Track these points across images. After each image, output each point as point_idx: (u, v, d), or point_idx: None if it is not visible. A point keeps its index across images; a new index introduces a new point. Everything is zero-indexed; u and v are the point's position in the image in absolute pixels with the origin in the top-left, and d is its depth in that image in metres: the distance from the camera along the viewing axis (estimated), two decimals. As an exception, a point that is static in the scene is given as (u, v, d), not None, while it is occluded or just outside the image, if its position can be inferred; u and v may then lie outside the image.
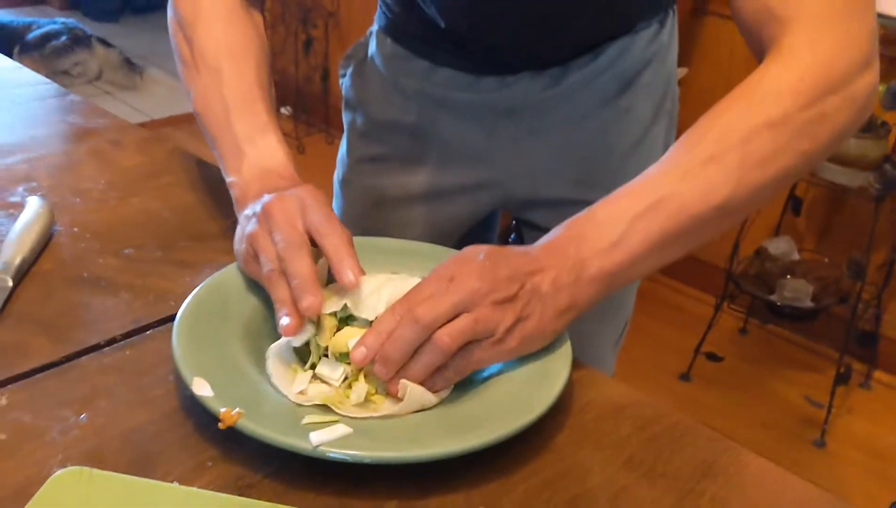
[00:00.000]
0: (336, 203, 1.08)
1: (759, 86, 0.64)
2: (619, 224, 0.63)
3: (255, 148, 0.74)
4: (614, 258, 0.63)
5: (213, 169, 1.00)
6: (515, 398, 0.61)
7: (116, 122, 1.13)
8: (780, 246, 2.23)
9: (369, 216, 1.03)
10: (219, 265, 0.75)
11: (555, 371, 0.63)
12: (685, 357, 2.25)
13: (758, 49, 0.69)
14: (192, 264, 0.80)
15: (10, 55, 3.47)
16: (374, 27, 1.02)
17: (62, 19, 3.69)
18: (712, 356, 2.25)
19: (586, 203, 0.67)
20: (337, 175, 1.08)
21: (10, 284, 0.73)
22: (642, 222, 0.62)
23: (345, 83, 1.05)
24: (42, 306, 0.73)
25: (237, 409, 0.56)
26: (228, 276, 0.73)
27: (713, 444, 0.64)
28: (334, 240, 0.64)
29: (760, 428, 2.10)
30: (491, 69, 0.93)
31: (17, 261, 0.75)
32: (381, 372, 0.60)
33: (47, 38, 3.48)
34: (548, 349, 0.66)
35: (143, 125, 3.38)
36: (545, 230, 0.68)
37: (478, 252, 0.63)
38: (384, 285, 0.65)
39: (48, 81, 1.27)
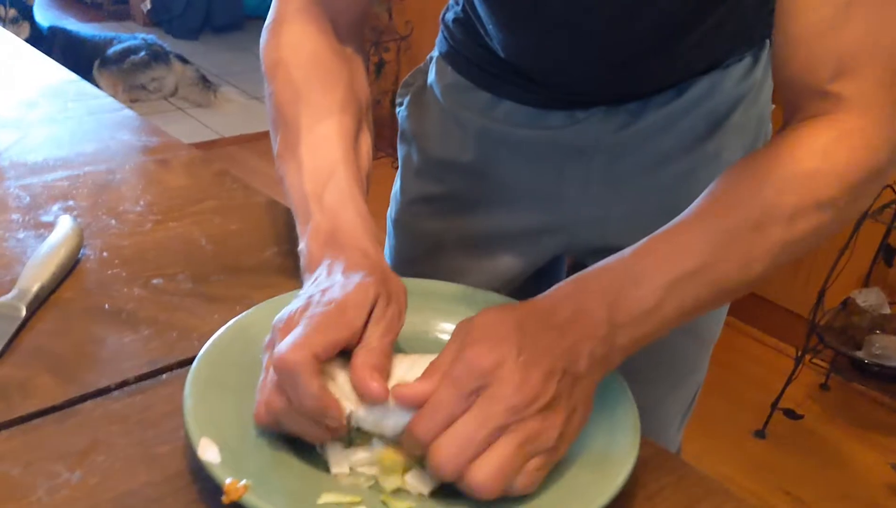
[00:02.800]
0: (388, 243, 1.00)
1: (810, 159, 0.60)
2: (655, 289, 0.56)
3: (321, 207, 0.64)
4: (645, 328, 0.57)
5: (260, 196, 0.94)
6: (571, 486, 0.52)
7: (168, 141, 1.07)
8: (870, 298, 2.08)
9: (423, 261, 0.95)
10: (251, 303, 0.67)
11: (620, 452, 0.54)
12: (761, 413, 2.10)
13: (792, 109, 0.63)
14: (223, 300, 0.74)
15: (90, 69, 3.53)
16: (435, 53, 0.95)
17: (143, 35, 3.74)
18: (791, 414, 2.09)
19: None
20: (390, 213, 1.00)
21: (24, 313, 0.67)
22: (678, 290, 0.57)
23: (401, 113, 0.97)
24: (55, 339, 0.66)
25: (244, 481, 0.49)
26: (257, 317, 0.65)
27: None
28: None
29: (841, 499, 1.94)
30: (559, 104, 0.84)
31: (35, 289, 0.69)
32: None
33: (127, 53, 3.53)
34: (612, 423, 0.57)
35: (213, 143, 3.39)
36: None
37: (498, 338, 0.52)
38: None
39: (104, 94, 1.23)
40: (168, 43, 3.88)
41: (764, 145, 0.65)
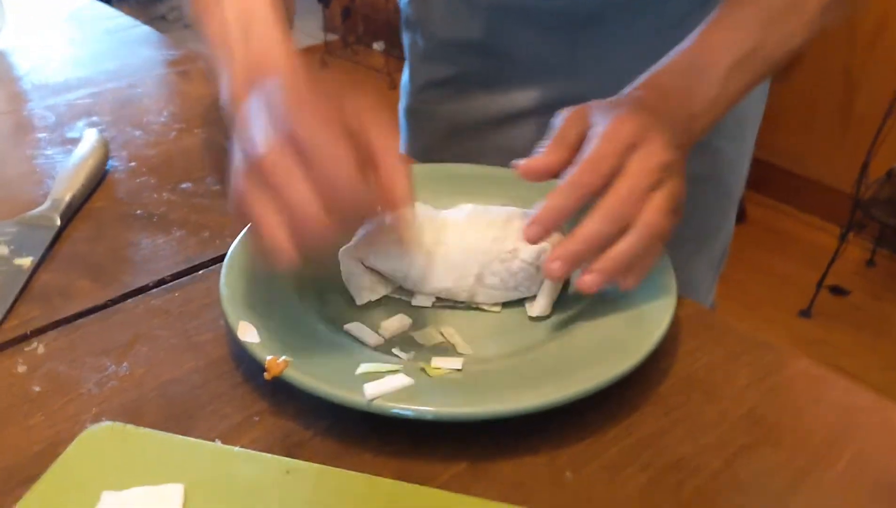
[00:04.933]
0: (403, 136, 0.99)
1: None
2: (720, 76, 0.62)
3: (246, 39, 0.58)
4: (715, 113, 0.63)
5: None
6: (609, 343, 0.52)
7: (186, 52, 1.07)
8: (915, 168, 2.02)
9: (439, 148, 0.94)
10: (279, 198, 0.67)
11: (656, 309, 0.54)
12: (806, 292, 2.08)
13: None
14: (252, 198, 0.74)
15: (108, 3, 3.51)
16: None
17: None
18: (837, 290, 2.07)
19: None
20: (401, 105, 0.98)
21: (58, 223, 0.68)
22: (737, 73, 0.63)
23: (403, 0, 0.95)
24: (91, 245, 0.67)
25: (284, 357, 0.49)
26: (287, 208, 0.65)
27: (849, 396, 0.53)
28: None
29: (892, 369, 1.93)
30: None
31: (67, 198, 0.70)
32: (559, 271, 0.52)
33: (142, -17, 3.49)
34: (647, 280, 0.56)
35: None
36: None
37: (632, 107, 0.56)
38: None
39: (121, 14, 1.22)
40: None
41: None
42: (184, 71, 1.01)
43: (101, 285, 0.62)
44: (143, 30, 1.14)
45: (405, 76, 0.97)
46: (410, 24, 0.94)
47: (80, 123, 0.87)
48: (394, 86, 3.22)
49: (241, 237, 0.61)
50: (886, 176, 2.04)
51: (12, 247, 0.65)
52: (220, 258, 0.64)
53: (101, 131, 0.82)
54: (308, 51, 3.47)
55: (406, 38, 0.95)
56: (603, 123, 0.54)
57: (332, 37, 3.58)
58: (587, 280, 0.52)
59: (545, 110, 0.87)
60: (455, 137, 0.92)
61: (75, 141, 0.82)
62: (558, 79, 0.86)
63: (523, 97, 0.88)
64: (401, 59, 3.45)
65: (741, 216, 2.38)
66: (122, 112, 0.90)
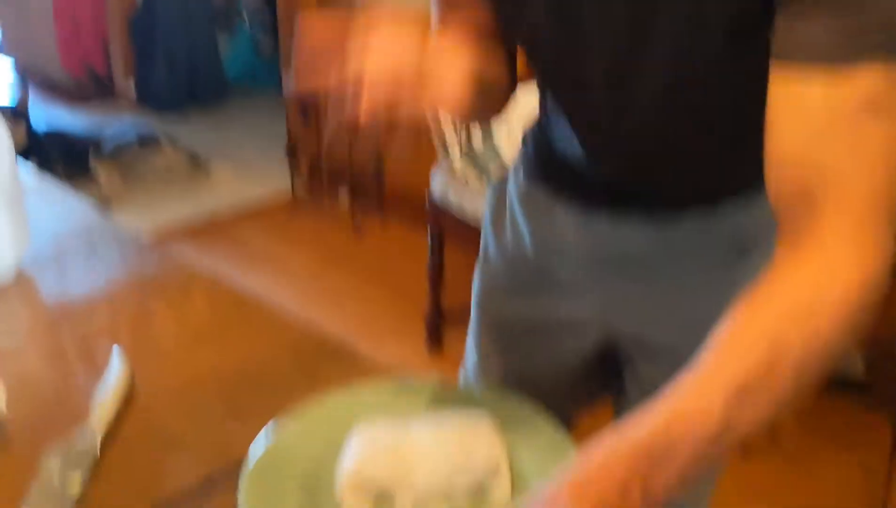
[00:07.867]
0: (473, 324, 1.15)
1: (804, 291, 0.67)
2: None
3: None
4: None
5: (280, 320, 1.09)
6: None
7: (186, 273, 1.22)
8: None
9: (499, 342, 1.10)
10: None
11: None
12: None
13: (789, 228, 0.70)
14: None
15: (87, 163, 3.68)
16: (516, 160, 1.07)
17: (131, 121, 3.93)
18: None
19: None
20: (473, 295, 1.14)
21: (97, 454, 0.85)
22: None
23: (487, 203, 1.11)
24: (122, 476, 0.83)
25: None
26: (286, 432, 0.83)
27: None
28: None
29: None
30: (604, 208, 0.94)
31: (101, 430, 0.87)
32: None
33: (119, 146, 3.76)
34: None
35: (212, 222, 3.51)
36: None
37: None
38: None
39: (123, 230, 1.36)
40: (154, 120, 4.14)
41: (762, 282, 0.70)
42: (186, 291, 1.17)
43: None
44: (147, 244, 1.31)
45: (476, 273, 1.12)
46: (486, 229, 1.10)
47: (104, 346, 1.01)
48: (357, 229, 3.41)
49: (250, 461, 0.78)
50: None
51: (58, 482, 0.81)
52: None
53: (123, 354, 0.98)
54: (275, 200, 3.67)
55: (482, 240, 1.11)
56: None
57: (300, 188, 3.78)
58: None
59: (576, 324, 1.02)
60: (512, 335, 1.09)
61: (101, 364, 0.97)
62: (587, 302, 1.01)
63: (561, 310, 1.03)
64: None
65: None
66: (140, 331, 1.06)
